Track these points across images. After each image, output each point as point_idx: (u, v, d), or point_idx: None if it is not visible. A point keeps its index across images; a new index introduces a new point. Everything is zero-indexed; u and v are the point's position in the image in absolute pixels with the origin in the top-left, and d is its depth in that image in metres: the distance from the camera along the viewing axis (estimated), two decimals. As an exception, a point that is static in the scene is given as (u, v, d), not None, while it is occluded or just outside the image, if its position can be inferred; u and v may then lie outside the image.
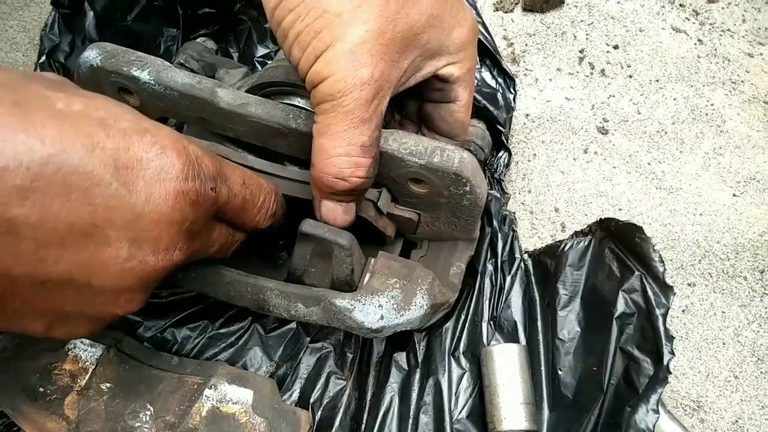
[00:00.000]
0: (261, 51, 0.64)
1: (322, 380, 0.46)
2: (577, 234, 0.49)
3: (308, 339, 0.48)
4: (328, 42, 0.34)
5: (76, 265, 0.27)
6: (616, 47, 0.71)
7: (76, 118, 0.27)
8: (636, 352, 0.41)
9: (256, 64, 0.64)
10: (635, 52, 0.71)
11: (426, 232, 0.48)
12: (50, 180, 0.25)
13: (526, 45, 0.72)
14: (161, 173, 0.29)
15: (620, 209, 0.60)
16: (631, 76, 0.69)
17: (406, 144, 0.41)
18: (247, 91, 0.50)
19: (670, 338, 0.40)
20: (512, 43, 0.72)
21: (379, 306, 0.40)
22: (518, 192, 0.61)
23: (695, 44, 0.71)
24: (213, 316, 0.49)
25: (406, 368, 0.47)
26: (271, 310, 0.42)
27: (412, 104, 0.48)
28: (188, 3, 0.62)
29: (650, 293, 0.42)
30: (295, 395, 0.46)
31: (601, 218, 0.47)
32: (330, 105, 0.35)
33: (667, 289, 0.42)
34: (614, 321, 0.42)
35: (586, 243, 0.47)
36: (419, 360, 0.46)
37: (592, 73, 0.70)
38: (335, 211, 0.40)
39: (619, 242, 0.45)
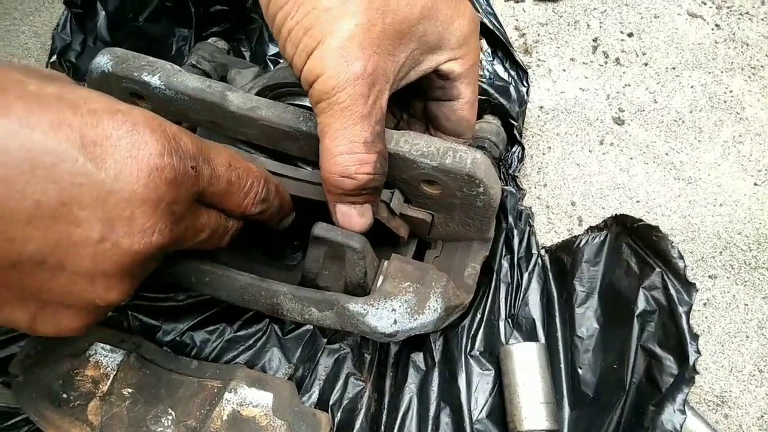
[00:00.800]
0: (273, 49, 0.64)
1: (340, 382, 0.46)
2: (592, 229, 0.48)
3: (325, 341, 0.48)
4: (319, 38, 0.34)
5: (47, 245, 0.26)
6: (630, 35, 0.69)
7: (46, 98, 0.26)
8: (658, 350, 0.40)
9: (268, 62, 0.63)
10: (650, 39, 0.69)
11: (440, 233, 0.47)
12: (14, 156, 0.25)
13: (539, 35, 0.70)
14: (132, 149, 0.27)
15: (638, 201, 0.59)
16: (646, 64, 0.67)
17: (418, 145, 0.41)
18: (258, 93, 0.50)
19: (695, 336, 0.39)
20: (524, 34, 0.70)
21: (393, 310, 0.39)
22: (534, 186, 0.60)
23: (712, 29, 0.69)
24: (230, 318, 0.49)
25: (424, 368, 0.46)
26: (284, 314, 0.42)
27: (418, 103, 0.47)
28: (200, 1, 0.61)
29: (672, 290, 0.41)
30: (314, 397, 0.46)
31: (616, 214, 0.46)
32: (326, 103, 0.34)
33: (689, 286, 0.41)
34: (635, 319, 0.41)
35: (602, 238, 0.46)
36: (436, 360, 0.46)
37: (606, 62, 0.68)
38: (350, 215, 0.40)
39: (637, 237, 0.43)
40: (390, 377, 0.46)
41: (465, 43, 0.40)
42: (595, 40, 0.69)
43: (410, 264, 0.42)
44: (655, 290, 0.42)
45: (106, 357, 0.45)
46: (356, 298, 0.40)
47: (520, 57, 0.60)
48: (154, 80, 0.42)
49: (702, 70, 0.66)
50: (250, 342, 0.48)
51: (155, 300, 0.48)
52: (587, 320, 0.45)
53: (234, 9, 0.63)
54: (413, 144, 0.41)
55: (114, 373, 0.44)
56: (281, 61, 0.63)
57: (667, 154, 0.62)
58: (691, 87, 0.65)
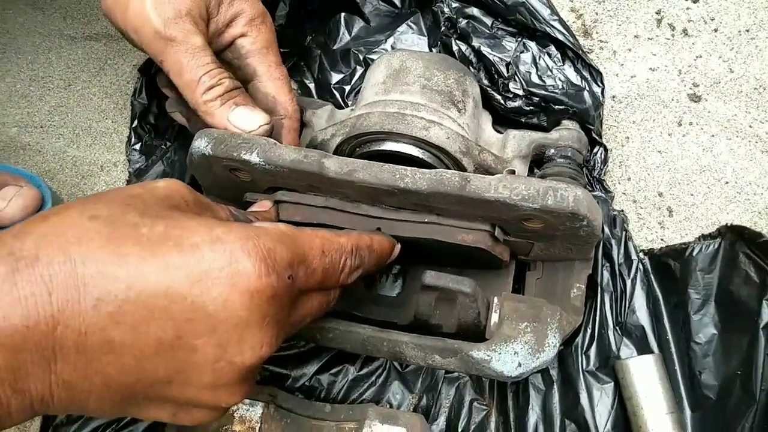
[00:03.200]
0: (336, 77, 0.62)
1: (465, 408, 0.47)
2: (704, 237, 0.46)
3: (443, 371, 0.49)
4: None
5: (173, 370, 0.29)
6: (695, 1, 0.64)
7: (155, 241, 0.29)
8: (787, 359, 0.39)
9: (334, 91, 0.62)
10: (718, 2, 0.64)
11: (540, 255, 0.47)
12: (135, 303, 0.27)
13: (597, 14, 0.66)
14: (233, 278, 0.29)
15: (726, 182, 0.56)
16: (716, 31, 0.63)
17: (518, 189, 0.40)
18: (343, 142, 0.49)
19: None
20: (581, 14, 0.66)
21: (515, 353, 0.39)
22: (617, 181, 0.58)
23: (786, -19, 0.63)
24: (351, 359, 0.50)
25: (543, 388, 0.47)
26: (407, 360, 0.43)
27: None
28: None
29: (798, 301, 0.39)
30: (442, 424, 0.48)
31: (730, 224, 0.44)
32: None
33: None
34: (761, 331, 0.40)
35: (716, 246, 0.44)
36: (554, 379, 0.46)
37: (673, 35, 0.63)
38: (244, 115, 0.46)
39: (755, 247, 0.42)
40: (511, 398, 0.47)
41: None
42: (658, 12, 0.64)
43: (522, 302, 0.42)
44: (780, 302, 0.41)
45: (248, 411, 0.48)
46: (478, 345, 0.40)
47: (590, 58, 0.56)
48: (253, 157, 0.43)
49: (779, 29, 0.61)
50: (373, 378, 0.49)
51: (280, 350, 0.50)
52: (704, 326, 0.44)
53: (294, 46, 0.62)
54: (513, 188, 0.40)
55: (258, 425, 0.47)
56: (346, 87, 0.63)
57: (750, 126, 0.59)
58: (770, 49, 0.61)
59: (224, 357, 0.30)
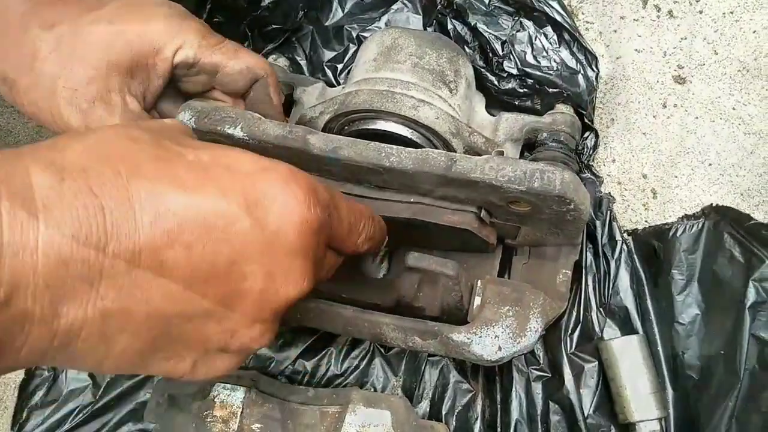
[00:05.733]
0: (328, 54, 0.60)
1: (449, 391, 0.46)
2: (687, 217, 0.45)
3: (427, 354, 0.48)
4: None
5: (219, 300, 0.28)
6: (681, -19, 0.63)
7: (206, 167, 0.28)
8: (771, 339, 0.39)
9: (326, 69, 0.60)
10: (703, -17, 0.62)
11: (527, 240, 0.46)
12: (193, 222, 0.26)
13: (582, -6, 0.64)
14: (286, 205, 0.28)
15: (710, 164, 0.56)
16: (701, 12, 0.62)
17: (504, 171, 0.38)
18: (332, 119, 0.47)
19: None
20: (567, -5, 0.65)
21: (496, 337, 0.38)
22: (602, 163, 0.56)
23: (771, -37, 0.62)
24: (335, 342, 0.49)
25: (527, 371, 0.46)
26: (388, 342, 0.42)
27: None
28: (254, 23, 0.58)
29: (784, 280, 0.39)
30: (425, 408, 0.47)
31: (715, 204, 0.43)
32: None
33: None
34: (746, 311, 0.40)
35: (699, 227, 0.44)
36: (540, 362, 0.46)
37: (659, 16, 0.62)
38: None
39: (739, 227, 0.41)
40: (498, 381, 0.46)
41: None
42: (644, -7, 0.63)
43: (506, 286, 0.41)
44: (766, 282, 0.40)
45: (229, 396, 0.46)
46: (459, 328, 0.39)
47: (587, 42, 0.54)
48: (237, 132, 0.41)
49: (764, 10, 0.60)
50: (357, 362, 0.48)
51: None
52: (688, 307, 0.44)
53: (286, 22, 0.59)
54: (499, 170, 0.38)
55: (240, 410, 0.45)
56: (339, 66, 0.60)
57: (734, 109, 0.58)
58: (753, 32, 0.60)
59: (271, 288, 0.28)
